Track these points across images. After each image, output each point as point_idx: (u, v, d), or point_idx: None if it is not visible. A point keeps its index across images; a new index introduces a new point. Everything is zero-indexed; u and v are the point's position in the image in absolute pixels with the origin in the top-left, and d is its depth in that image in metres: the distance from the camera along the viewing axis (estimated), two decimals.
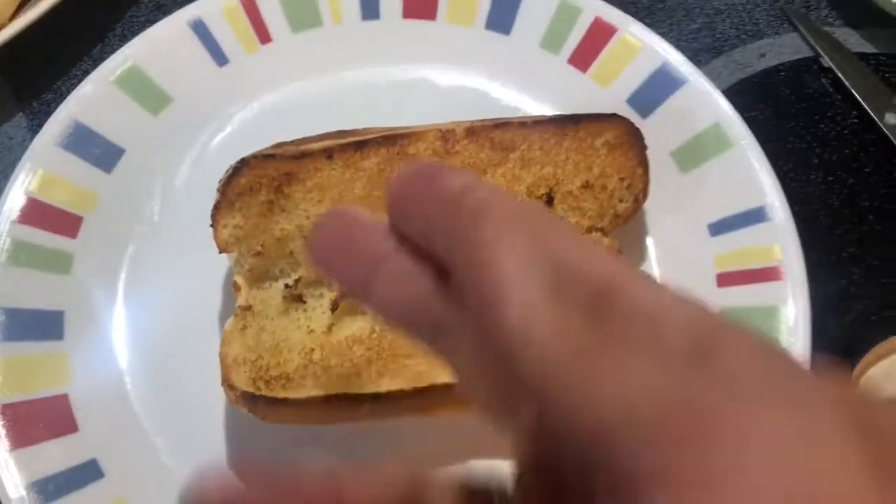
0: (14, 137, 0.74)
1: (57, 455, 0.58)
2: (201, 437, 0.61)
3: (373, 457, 0.61)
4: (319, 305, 0.60)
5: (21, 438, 0.58)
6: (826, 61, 0.76)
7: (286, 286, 0.61)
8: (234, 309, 0.60)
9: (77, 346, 0.62)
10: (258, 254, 0.60)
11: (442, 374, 0.57)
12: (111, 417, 0.60)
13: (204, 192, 0.62)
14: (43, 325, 0.62)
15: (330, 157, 0.62)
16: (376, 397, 0.56)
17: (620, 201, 0.63)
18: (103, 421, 0.60)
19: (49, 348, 0.61)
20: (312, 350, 0.58)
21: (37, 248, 0.64)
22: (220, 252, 0.60)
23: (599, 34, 0.72)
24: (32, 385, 0.60)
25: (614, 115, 0.64)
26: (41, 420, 0.59)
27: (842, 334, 0.66)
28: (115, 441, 0.59)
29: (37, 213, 0.64)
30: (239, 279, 0.60)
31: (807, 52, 0.77)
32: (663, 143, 0.68)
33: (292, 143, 0.64)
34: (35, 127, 0.74)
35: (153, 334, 0.63)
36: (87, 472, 0.58)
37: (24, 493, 0.56)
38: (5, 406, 0.58)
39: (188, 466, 0.59)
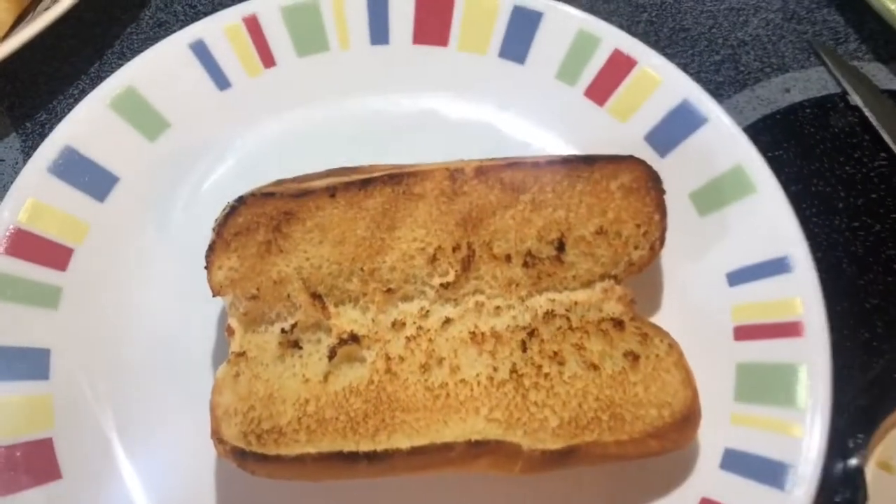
0: (6, 160, 0.71)
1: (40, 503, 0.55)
2: (188, 488, 0.58)
3: None
4: (316, 351, 0.58)
5: (1, 487, 0.55)
6: (853, 98, 0.73)
7: (282, 331, 0.58)
8: (227, 352, 0.57)
9: (63, 387, 0.59)
10: (254, 297, 0.57)
11: (442, 432, 0.54)
12: (95, 464, 0.58)
13: (200, 223, 0.60)
14: (28, 364, 0.59)
15: (333, 195, 0.59)
16: (372, 456, 0.53)
17: (636, 248, 0.60)
18: (87, 468, 0.57)
19: (33, 389, 0.59)
20: (307, 401, 0.55)
21: (23, 281, 0.61)
22: (214, 295, 0.57)
23: (618, 66, 0.69)
24: (15, 428, 0.57)
25: (631, 157, 0.61)
26: (23, 466, 0.56)
27: (863, 392, 0.63)
28: (99, 490, 0.57)
29: (25, 244, 0.62)
30: (233, 322, 0.58)
31: (833, 88, 0.74)
32: (682, 184, 0.65)
33: (293, 179, 0.61)
34: (28, 149, 0.71)
35: (142, 375, 0.61)
36: None
37: None
38: None
39: None
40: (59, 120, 0.66)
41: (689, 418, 0.55)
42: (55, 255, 0.62)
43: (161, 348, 0.62)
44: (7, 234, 0.61)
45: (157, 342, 0.62)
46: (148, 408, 0.60)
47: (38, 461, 0.56)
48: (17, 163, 0.70)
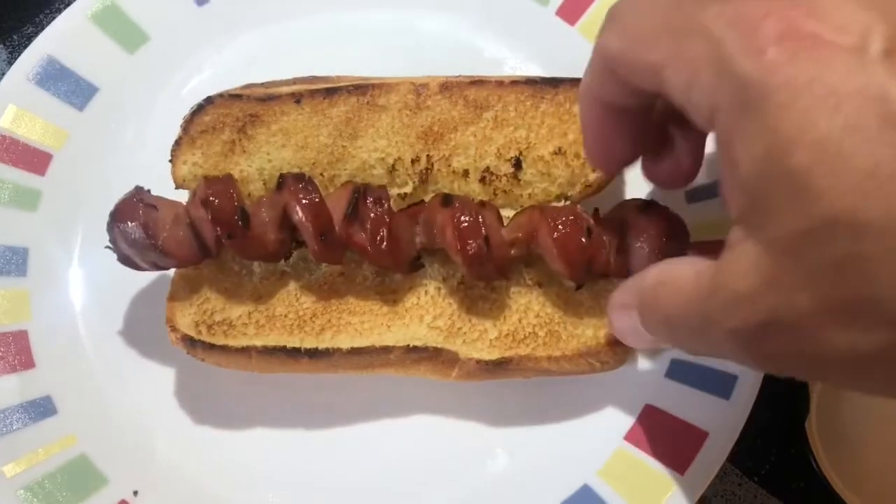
0: None
1: (13, 389, 0.59)
2: (150, 378, 0.62)
3: (310, 398, 0.61)
4: None
5: None
6: None
7: None
8: None
9: (39, 284, 0.62)
10: None
11: (384, 336, 0.57)
12: (66, 357, 0.61)
13: (177, 131, 0.62)
14: (8, 261, 0.62)
15: (298, 101, 0.60)
16: (313, 353, 0.56)
17: (593, 170, 0.60)
18: (59, 359, 0.61)
19: (13, 284, 0.62)
20: (261, 297, 0.58)
21: (5, 183, 0.64)
22: (177, 188, 0.59)
23: None
24: None
25: None
26: (0, 353, 0.59)
27: None
28: (69, 380, 0.60)
29: (7, 149, 0.64)
30: None
31: None
32: None
33: (262, 84, 0.62)
34: (14, 59, 0.73)
35: (111, 274, 0.63)
36: (42, 408, 0.59)
37: None
38: None
39: (138, 409, 0.60)
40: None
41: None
42: (36, 160, 0.65)
43: None
44: None
45: None
46: (114, 302, 0.63)
47: (15, 350, 0.60)
48: (3, 73, 0.73)
